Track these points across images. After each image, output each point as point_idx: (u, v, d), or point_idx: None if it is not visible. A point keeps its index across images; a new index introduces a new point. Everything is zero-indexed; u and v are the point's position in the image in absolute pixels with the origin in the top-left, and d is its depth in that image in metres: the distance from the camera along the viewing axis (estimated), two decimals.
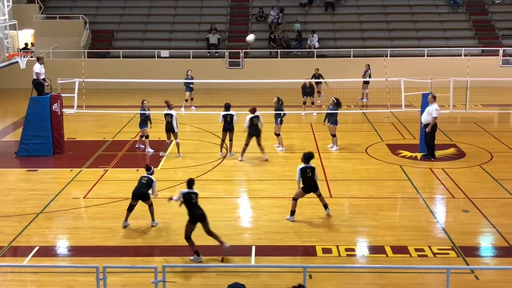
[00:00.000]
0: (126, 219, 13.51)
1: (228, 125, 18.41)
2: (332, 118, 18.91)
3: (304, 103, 23.77)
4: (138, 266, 11.02)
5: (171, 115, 18.42)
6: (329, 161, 18.28)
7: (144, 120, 19.08)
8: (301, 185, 13.60)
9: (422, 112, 18.38)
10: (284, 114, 19.43)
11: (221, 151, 18.86)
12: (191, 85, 24.79)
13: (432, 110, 17.74)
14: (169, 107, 18.60)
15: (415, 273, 11.25)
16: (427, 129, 17.89)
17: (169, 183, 16.21)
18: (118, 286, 10.76)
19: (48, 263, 11.86)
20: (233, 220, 14.01)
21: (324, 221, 13.66)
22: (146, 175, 13.51)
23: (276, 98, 19.43)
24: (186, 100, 24.93)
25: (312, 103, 24.03)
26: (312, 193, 13.74)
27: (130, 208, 13.43)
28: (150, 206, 13.53)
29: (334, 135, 19.27)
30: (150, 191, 13.40)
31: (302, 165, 13.65)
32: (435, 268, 11.21)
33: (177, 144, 18.76)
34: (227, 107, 18.56)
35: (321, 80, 24.91)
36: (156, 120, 19.87)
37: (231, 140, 18.61)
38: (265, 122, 18.55)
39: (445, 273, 9.15)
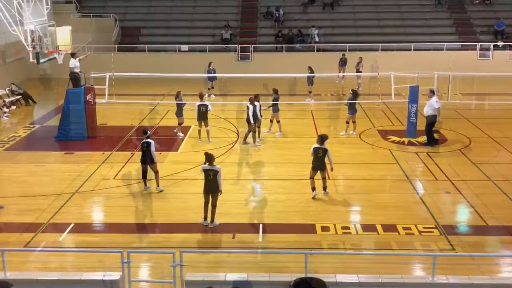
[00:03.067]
0: (145, 184, 13.94)
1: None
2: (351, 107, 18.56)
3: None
4: (158, 252, 10.62)
5: (206, 106, 17.70)
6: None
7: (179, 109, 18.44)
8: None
9: (409, 101, 17.98)
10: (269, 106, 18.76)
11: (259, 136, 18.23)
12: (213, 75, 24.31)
13: (433, 102, 17.25)
14: (201, 98, 17.91)
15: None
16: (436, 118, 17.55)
17: (188, 165, 15.88)
18: (141, 261, 10.51)
19: (82, 238, 11.64)
20: (243, 199, 13.64)
21: (323, 201, 13.29)
22: (144, 140, 13.65)
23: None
24: (209, 89, 24.42)
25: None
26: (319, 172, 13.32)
27: (144, 175, 13.87)
28: (156, 173, 13.81)
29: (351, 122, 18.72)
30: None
31: (316, 145, 13.26)
32: (423, 255, 10.62)
33: (207, 132, 17.97)
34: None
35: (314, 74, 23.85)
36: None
37: (259, 127, 18.12)
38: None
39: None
